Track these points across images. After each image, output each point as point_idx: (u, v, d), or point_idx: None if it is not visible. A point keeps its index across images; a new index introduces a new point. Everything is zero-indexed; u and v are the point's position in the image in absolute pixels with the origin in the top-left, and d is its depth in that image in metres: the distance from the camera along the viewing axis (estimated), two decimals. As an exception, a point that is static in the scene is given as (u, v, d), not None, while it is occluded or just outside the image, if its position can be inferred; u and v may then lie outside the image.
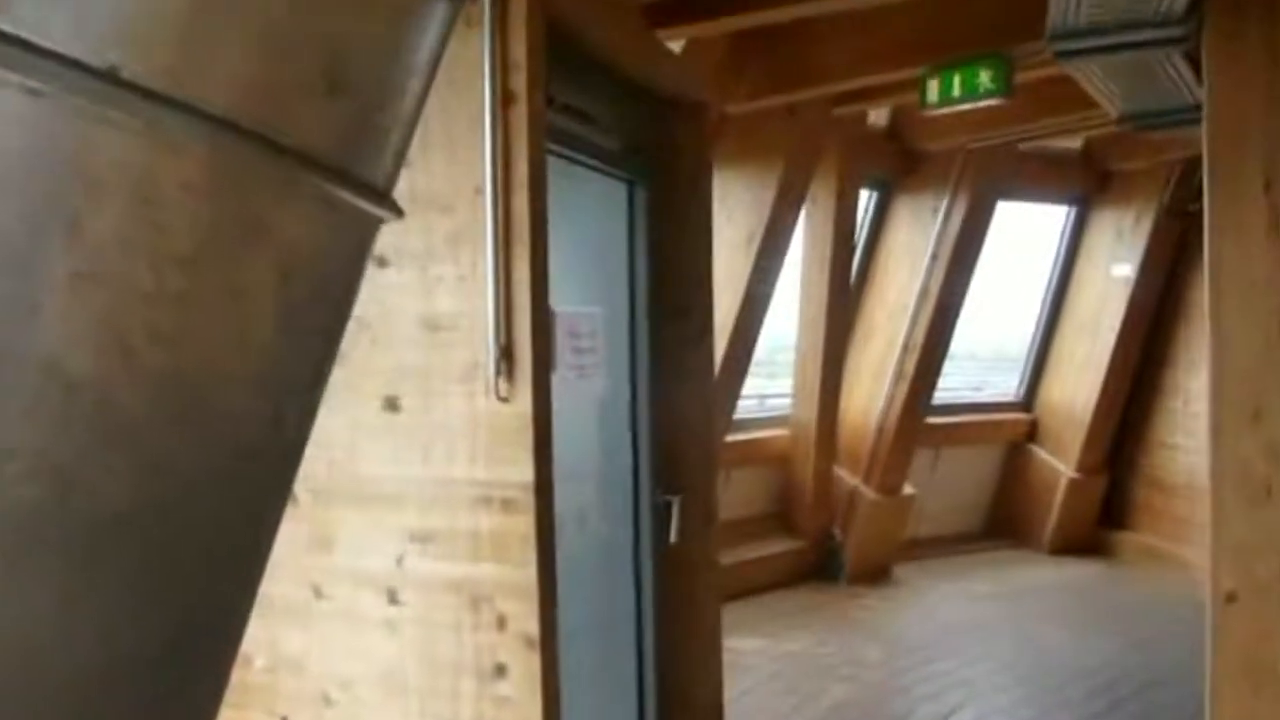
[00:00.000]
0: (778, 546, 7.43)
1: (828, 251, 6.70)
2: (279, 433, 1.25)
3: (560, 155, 2.91)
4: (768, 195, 5.84)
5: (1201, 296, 7.86)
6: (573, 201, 3.36)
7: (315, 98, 1.14)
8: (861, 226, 7.42)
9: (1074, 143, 7.93)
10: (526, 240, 2.38)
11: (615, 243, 3.52)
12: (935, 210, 7.21)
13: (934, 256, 7.20)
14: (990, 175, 7.18)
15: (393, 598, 2.51)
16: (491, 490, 2.42)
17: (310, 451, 1.37)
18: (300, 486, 2.11)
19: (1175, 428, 8.06)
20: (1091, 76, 3.93)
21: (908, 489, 7.75)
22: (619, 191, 3.50)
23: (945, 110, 4.85)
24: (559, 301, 2.77)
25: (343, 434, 2.50)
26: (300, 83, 1.13)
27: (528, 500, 2.38)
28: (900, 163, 7.25)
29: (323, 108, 1.15)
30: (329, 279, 1.26)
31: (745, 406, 7.67)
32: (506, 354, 2.39)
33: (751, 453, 7.34)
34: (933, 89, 4.76)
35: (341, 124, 1.19)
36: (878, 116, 7.10)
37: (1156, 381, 8.20)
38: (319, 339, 1.29)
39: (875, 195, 7.46)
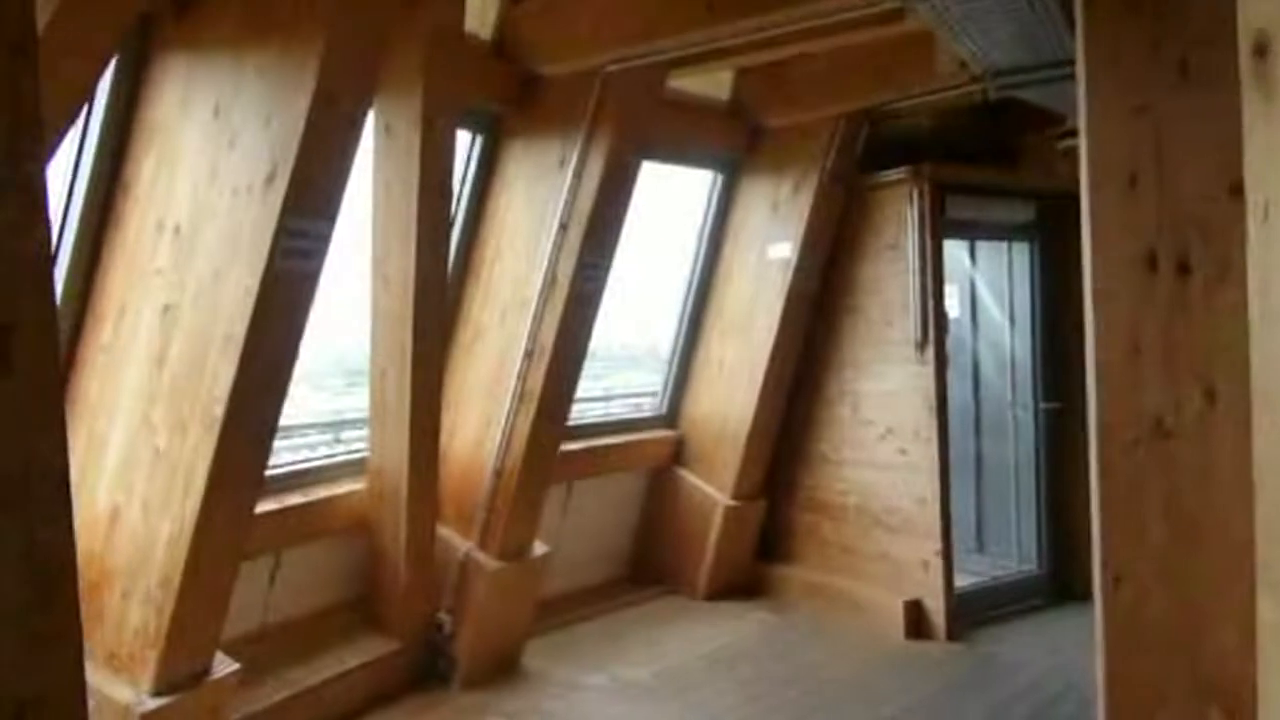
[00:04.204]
0: (360, 654, 5.02)
1: (412, 211, 4.37)
2: None
3: None
4: (298, 103, 3.38)
5: (870, 282, 6.66)
6: None
7: None
8: (462, 181, 5.21)
9: (721, 91, 6.34)
10: None
11: None
12: (563, 163, 5.18)
13: (563, 227, 5.18)
14: (632, 120, 5.28)
15: None
16: None
17: None
18: None
19: (842, 440, 6.75)
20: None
21: (539, 547, 5.67)
22: None
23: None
24: None
25: None
26: None
27: None
28: (512, 91, 5.13)
29: None
30: None
31: (299, 446, 5.22)
32: None
33: (312, 521, 4.86)
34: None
35: None
36: (481, 24, 4.94)
37: (820, 385, 6.84)
38: None
39: (480, 139, 5.27)
